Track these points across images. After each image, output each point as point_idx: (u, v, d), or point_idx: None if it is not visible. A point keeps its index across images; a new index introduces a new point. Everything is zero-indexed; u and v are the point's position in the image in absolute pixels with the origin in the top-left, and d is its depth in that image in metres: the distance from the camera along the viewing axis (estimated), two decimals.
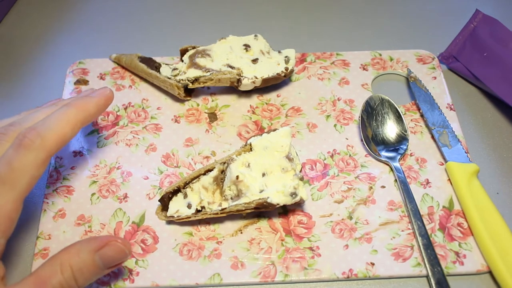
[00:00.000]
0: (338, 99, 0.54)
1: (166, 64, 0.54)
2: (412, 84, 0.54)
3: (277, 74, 0.51)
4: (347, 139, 0.51)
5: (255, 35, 0.54)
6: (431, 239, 0.44)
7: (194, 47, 0.53)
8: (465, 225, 0.45)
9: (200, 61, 0.52)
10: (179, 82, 0.51)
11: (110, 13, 0.63)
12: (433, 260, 0.42)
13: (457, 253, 0.43)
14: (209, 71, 0.51)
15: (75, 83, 0.55)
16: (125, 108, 0.53)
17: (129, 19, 0.62)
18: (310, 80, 0.55)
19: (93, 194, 0.47)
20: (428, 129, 0.51)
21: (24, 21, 0.62)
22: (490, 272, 0.43)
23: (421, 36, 0.61)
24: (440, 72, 0.56)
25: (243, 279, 0.42)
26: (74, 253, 0.37)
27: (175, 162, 0.49)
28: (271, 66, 0.52)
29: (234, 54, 0.52)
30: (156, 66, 0.54)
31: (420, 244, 0.43)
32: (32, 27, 0.61)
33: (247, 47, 0.53)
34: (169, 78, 0.52)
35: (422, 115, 0.52)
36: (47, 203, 0.46)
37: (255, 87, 0.51)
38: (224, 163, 0.45)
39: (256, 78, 0.51)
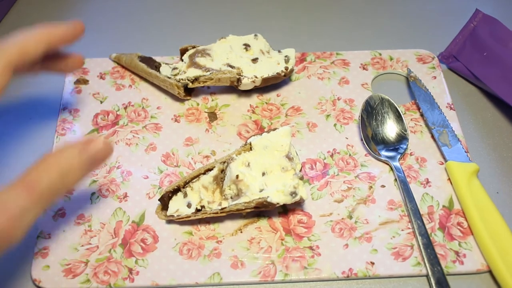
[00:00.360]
0: (338, 99, 0.54)
1: (166, 64, 0.54)
2: (412, 84, 0.54)
3: (277, 73, 0.51)
4: (347, 138, 0.51)
5: (255, 35, 0.54)
6: (431, 238, 0.44)
7: (194, 47, 0.53)
8: (465, 225, 0.45)
9: (200, 60, 0.52)
10: (179, 81, 0.51)
11: (110, 13, 0.63)
12: (433, 259, 0.42)
13: (457, 253, 0.43)
14: (209, 71, 0.51)
15: (75, 83, 0.55)
16: (125, 108, 0.53)
17: (129, 19, 0.62)
18: (310, 80, 0.55)
19: (93, 194, 0.47)
20: (428, 129, 0.51)
21: (24, 21, 0.62)
22: (490, 272, 0.43)
23: (421, 35, 0.61)
24: (440, 71, 0.56)
25: (243, 278, 0.42)
26: (59, 155, 0.36)
27: (175, 161, 0.49)
28: (271, 66, 0.52)
29: (234, 53, 0.52)
30: (156, 66, 0.53)
31: (420, 243, 0.43)
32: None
33: (247, 46, 0.53)
34: (169, 78, 0.52)
35: (422, 115, 0.52)
36: None
37: (255, 86, 0.51)
38: (224, 162, 0.45)
39: (256, 77, 0.51)
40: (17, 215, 0.34)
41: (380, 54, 0.57)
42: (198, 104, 0.53)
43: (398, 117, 0.51)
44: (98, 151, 0.37)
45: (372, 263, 0.43)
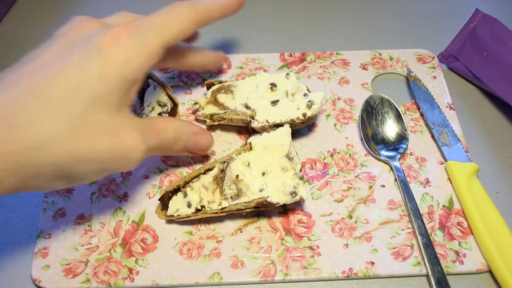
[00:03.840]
0: (338, 99, 0.54)
1: (155, 82, 0.51)
2: (412, 84, 0.54)
3: (291, 119, 0.47)
4: (347, 138, 0.51)
5: (287, 74, 0.50)
6: (431, 238, 0.44)
7: (220, 82, 0.51)
8: (465, 224, 0.45)
9: (220, 97, 0.50)
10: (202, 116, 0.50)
11: (110, 13, 0.63)
12: (433, 259, 0.42)
13: (457, 252, 0.43)
14: (224, 109, 0.49)
15: None
16: None
17: None
18: (310, 80, 0.55)
19: (93, 193, 0.47)
20: (428, 128, 0.51)
21: (24, 21, 0.62)
22: (490, 271, 0.43)
23: (421, 35, 0.61)
24: (440, 71, 0.56)
25: (243, 278, 0.42)
26: (179, 124, 0.44)
27: (175, 161, 0.49)
28: (289, 111, 0.48)
29: (257, 93, 0.49)
30: (143, 88, 0.51)
31: (420, 243, 0.43)
32: (32, 27, 0.61)
33: (273, 86, 0.49)
34: (142, 110, 0.50)
35: (422, 115, 0.52)
36: (47, 202, 0.46)
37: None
38: (224, 162, 0.45)
39: (268, 122, 0.48)
40: (143, 150, 0.39)
41: (380, 54, 0.57)
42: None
43: (398, 117, 0.51)
44: (204, 142, 0.46)
45: (372, 263, 0.43)
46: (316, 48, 0.58)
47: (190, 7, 0.42)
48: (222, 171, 0.45)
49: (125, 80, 0.37)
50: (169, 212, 0.44)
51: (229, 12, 0.46)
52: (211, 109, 0.50)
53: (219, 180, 0.45)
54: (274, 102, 0.49)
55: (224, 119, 0.49)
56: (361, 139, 0.50)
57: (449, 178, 0.48)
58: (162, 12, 0.41)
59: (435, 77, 0.55)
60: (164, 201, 0.45)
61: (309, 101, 0.48)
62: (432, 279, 0.41)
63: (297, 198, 0.43)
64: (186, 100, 0.53)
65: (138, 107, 0.51)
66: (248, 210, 0.44)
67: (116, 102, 0.37)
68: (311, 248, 0.44)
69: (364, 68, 0.56)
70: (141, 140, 0.38)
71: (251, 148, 0.46)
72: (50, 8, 0.64)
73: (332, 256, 0.43)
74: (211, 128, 0.51)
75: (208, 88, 0.51)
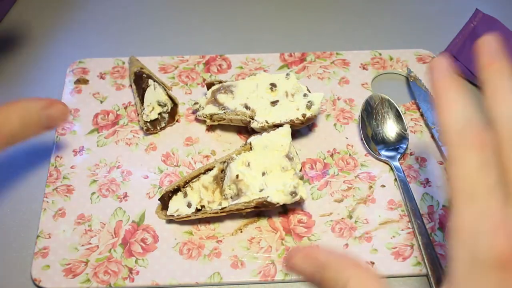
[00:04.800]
0: (338, 99, 0.54)
1: (155, 82, 0.52)
2: (412, 84, 0.54)
3: (291, 120, 0.47)
4: (347, 138, 0.51)
5: (287, 74, 0.50)
6: (431, 238, 0.44)
7: (220, 82, 0.51)
8: None
9: (220, 97, 0.49)
10: (148, 122, 0.50)
11: (110, 13, 0.63)
12: (433, 259, 0.42)
13: None
14: (224, 109, 0.49)
15: (75, 83, 0.55)
16: (125, 108, 0.53)
17: (129, 19, 0.62)
18: (310, 80, 0.55)
19: (93, 193, 0.47)
20: (428, 128, 0.51)
21: (24, 21, 0.62)
22: None
23: (421, 35, 0.61)
24: None
25: (243, 278, 0.42)
26: (23, 108, 0.39)
27: (175, 161, 0.49)
28: (288, 111, 0.48)
29: (257, 93, 0.49)
30: (144, 88, 0.52)
31: (420, 243, 0.43)
32: (32, 27, 0.61)
33: (273, 86, 0.49)
34: (143, 110, 0.50)
35: (422, 114, 0.52)
36: (47, 202, 0.46)
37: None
38: (224, 162, 0.45)
39: (267, 122, 0.48)
40: None
41: (380, 54, 0.57)
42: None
43: (398, 117, 0.51)
44: (57, 113, 0.41)
45: (372, 263, 0.43)
46: (316, 48, 0.58)
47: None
48: (222, 171, 0.45)
49: None
50: (169, 212, 0.44)
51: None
52: (211, 109, 0.50)
53: (219, 180, 0.45)
54: (274, 103, 0.49)
55: (224, 119, 0.49)
56: (361, 139, 0.50)
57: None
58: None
59: None
60: (164, 201, 0.45)
61: (308, 102, 0.48)
62: (432, 279, 0.41)
63: (297, 198, 0.43)
64: (186, 100, 0.53)
65: (139, 107, 0.51)
66: (248, 210, 0.44)
67: None
68: None
69: (364, 68, 0.56)
70: None
71: (251, 148, 0.46)
72: (50, 8, 0.64)
73: None
74: (211, 128, 0.51)
75: (208, 88, 0.51)
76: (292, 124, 0.47)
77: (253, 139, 0.46)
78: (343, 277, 0.28)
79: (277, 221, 0.45)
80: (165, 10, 0.64)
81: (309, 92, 0.49)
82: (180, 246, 0.44)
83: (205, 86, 0.52)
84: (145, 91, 0.51)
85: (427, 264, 0.42)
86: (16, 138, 0.39)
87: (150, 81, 0.52)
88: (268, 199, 0.42)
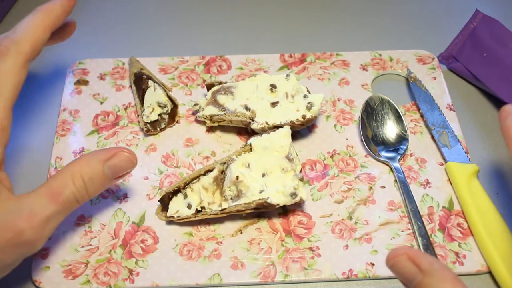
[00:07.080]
0: (338, 99, 0.54)
1: (155, 83, 0.52)
2: (412, 85, 0.54)
3: (291, 121, 0.47)
4: (347, 139, 0.51)
5: (287, 75, 0.50)
6: (431, 239, 0.44)
7: (220, 83, 0.51)
8: (465, 226, 0.45)
9: (220, 98, 0.49)
10: (148, 123, 0.50)
11: (110, 13, 0.63)
12: None
13: (457, 254, 0.43)
14: (224, 110, 0.49)
15: (75, 83, 0.55)
16: (125, 109, 0.53)
17: (129, 20, 0.62)
18: (310, 81, 0.55)
19: None
20: (428, 129, 0.51)
21: None
22: (490, 273, 0.43)
23: (421, 36, 0.61)
24: (440, 72, 0.56)
25: (243, 279, 0.42)
26: (84, 164, 0.37)
27: (175, 162, 0.49)
28: (288, 112, 0.48)
29: (257, 94, 0.49)
30: (144, 89, 0.52)
31: (420, 244, 0.43)
32: None
33: (273, 88, 0.49)
34: (143, 111, 0.50)
35: (422, 115, 0.52)
36: None
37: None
38: (224, 163, 0.45)
39: (267, 124, 0.48)
40: (42, 223, 0.35)
41: (380, 55, 0.57)
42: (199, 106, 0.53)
43: (398, 118, 0.51)
44: (122, 162, 0.39)
45: (372, 264, 0.43)
46: (316, 49, 0.58)
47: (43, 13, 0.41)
48: (222, 172, 0.45)
49: None
50: (169, 213, 0.44)
51: (70, 9, 0.43)
52: (211, 110, 0.50)
53: (219, 181, 0.45)
54: (274, 104, 0.49)
55: (224, 120, 0.49)
56: (361, 140, 0.50)
57: (449, 179, 0.48)
58: (21, 25, 0.40)
59: (435, 78, 0.55)
60: (164, 202, 0.45)
61: (308, 103, 0.48)
62: None
63: (297, 199, 0.43)
64: (186, 101, 0.53)
65: (139, 108, 0.51)
66: (248, 211, 0.44)
67: None
68: (311, 249, 0.44)
69: (364, 69, 0.56)
70: (29, 223, 0.34)
71: (251, 149, 0.46)
72: None
73: (332, 257, 0.43)
74: (211, 129, 0.51)
75: (208, 89, 0.51)
76: (292, 125, 0.47)
77: (253, 140, 0.46)
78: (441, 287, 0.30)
79: (277, 222, 0.45)
80: (165, 11, 0.64)
81: (309, 93, 0.49)
82: (180, 247, 0.44)
83: (205, 87, 0.52)
84: (145, 92, 0.51)
85: None
86: (83, 197, 0.37)
87: (150, 82, 0.52)
88: (268, 200, 0.42)
